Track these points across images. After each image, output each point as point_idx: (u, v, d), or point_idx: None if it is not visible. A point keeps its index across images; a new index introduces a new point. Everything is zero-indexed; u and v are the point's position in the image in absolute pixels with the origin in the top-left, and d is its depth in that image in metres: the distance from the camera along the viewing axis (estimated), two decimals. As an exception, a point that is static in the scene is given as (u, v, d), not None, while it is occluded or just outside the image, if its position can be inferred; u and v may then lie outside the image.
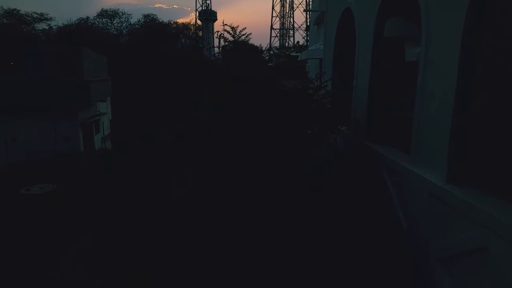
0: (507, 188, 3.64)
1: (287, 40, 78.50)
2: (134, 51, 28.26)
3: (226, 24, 7.58)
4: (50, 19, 33.00)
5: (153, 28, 34.21)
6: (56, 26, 33.33)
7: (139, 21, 36.98)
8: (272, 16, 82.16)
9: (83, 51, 17.70)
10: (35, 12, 32.41)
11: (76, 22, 34.58)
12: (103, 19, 36.85)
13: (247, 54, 7.68)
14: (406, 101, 6.00)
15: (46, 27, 32.92)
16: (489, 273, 3.52)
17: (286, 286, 4.66)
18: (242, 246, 5.22)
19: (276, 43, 77.51)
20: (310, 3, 50.47)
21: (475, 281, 3.74)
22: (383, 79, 6.75)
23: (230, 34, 7.42)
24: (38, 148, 14.79)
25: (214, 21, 75.07)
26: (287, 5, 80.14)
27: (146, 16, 36.96)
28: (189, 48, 37.53)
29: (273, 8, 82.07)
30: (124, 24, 37.35)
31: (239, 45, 7.52)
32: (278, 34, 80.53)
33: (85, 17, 35.94)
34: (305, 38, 63.17)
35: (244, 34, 7.55)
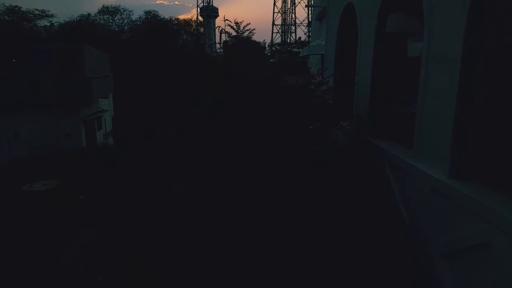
0: (510, 182, 3.64)
1: (289, 36, 78.27)
2: (136, 47, 28.25)
3: (227, 20, 7.55)
4: (52, 16, 33.04)
5: (155, 24, 34.16)
6: (58, 23, 33.38)
7: (140, 17, 36.96)
8: (273, 12, 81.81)
9: (84, 48, 17.72)
10: (36, 9, 32.45)
11: (77, 18, 34.58)
12: (105, 16, 36.85)
13: (249, 49, 7.64)
14: (408, 97, 5.98)
15: (48, 24, 32.97)
16: (491, 268, 3.52)
17: (287, 282, 4.68)
18: (243, 242, 5.23)
19: (278, 39, 77.31)
20: (312, -2, 50.26)
21: (478, 276, 3.74)
22: (385, 75, 6.72)
23: (234, 29, 7.37)
24: (40, 144, 14.86)
25: (216, 17, 74.95)
26: (289, 1, 79.87)
27: (147, 13, 36.95)
28: (191, 44, 37.49)
29: (274, 4, 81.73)
30: (125, 21, 37.36)
31: (242, 41, 7.48)
32: (280, 30, 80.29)
33: (87, 13, 35.94)
34: (307, 34, 63.00)
35: (248, 30, 7.50)
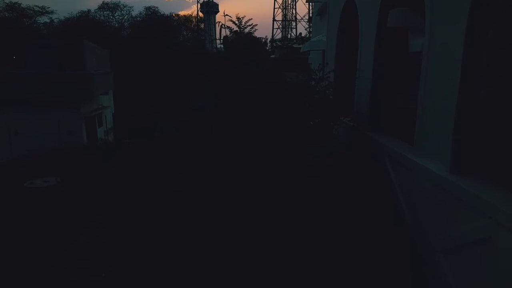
0: (511, 178, 3.63)
1: (290, 32, 77.98)
2: (136, 44, 28.19)
3: (227, 15, 7.52)
4: (52, 12, 32.99)
5: (155, 20, 34.08)
6: (58, 20, 33.33)
7: (140, 13, 36.85)
8: (274, 8, 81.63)
9: (85, 44, 17.68)
10: (36, 6, 32.39)
11: (77, 15, 34.50)
12: (105, 12, 36.79)
13: (249, 45, 7.62)
14: (409, 92, 5.96)
15: (48, 21, 32.94)
16: (493, 264, 3.51)
17: (287, 278, 4.69)
18: (243, 238, 5.24)
19: (278, 35, 77.04)
20: (313, -6, 49.87)
21: (479, 272, 3.74)
22: (386, 70, 6.70)
23: (236, 24, 7.33)
24: (41, 141, 14.86)
25: (216, 13, 74.66)
26: (289, -4, 79.46)
27: (147, 9, 36.83)
28: (191, 40, 37.40)
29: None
30: (125, 17, 37.28)
31: (242, 37, 7.45)
32: (281, 26, 79.98)
33: (87, 10, 35.84)
34: (308, 29, 62.76)
35: (250, 25, 7.46)
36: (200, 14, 69.94)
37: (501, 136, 3.88)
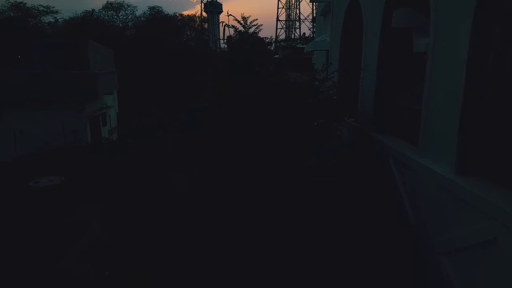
0: (517, 179, 3.60)
1: (293, 32, 77.85)
2: (140, 44, 28.26)
3: (231, 15, 7.52)
4: (56, 12, 33.11)
5: (159, 20, 34.16)
6: (62, 19, 33.45)
7: (144, 13, 36.92)
8: (278, 8, 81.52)
9: (89, 44, 17.74)
10: (41, 5, 32.54)
11: (82, 14, 34.63)
12: (109, 12, 36.88)
13: (254, 45, 7.62)
14: (414, 93, 5.93)
15: (52, 20, 33.07)
16: (497, 266, 3.49)
17: (290, 279, 4.68)
18: (247, 238, 5.24)
19: (282, 35, 76.91)
20: (317, -6, 49.74)
21: (483, 274, 3.72)
22: (390, 70, 6.67)
23: (241, 24, 7.32)
24: (46, 140, 14.93)
25: (220, 13, 74.70)
26: (293, -4, 79.27)
27: (151, 9, 36.90)
28: (195, 40, 37.44)
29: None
30: (129, 17, 37.35)
31: (247, 36, 7.45)
32: (284, 26, 79.87)
33: (91, 9, 35.96)
34: (311, 29, 62.59)
35: (255, 25, 7.46)
36: (204, 14, 70.06)
37: (507, 137, 3.86)
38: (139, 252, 5.61)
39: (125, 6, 37.47)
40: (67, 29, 30.80)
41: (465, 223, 3.98)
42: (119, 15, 37.27)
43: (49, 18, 32.98)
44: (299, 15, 78.66)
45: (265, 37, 8.34)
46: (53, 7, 33.00)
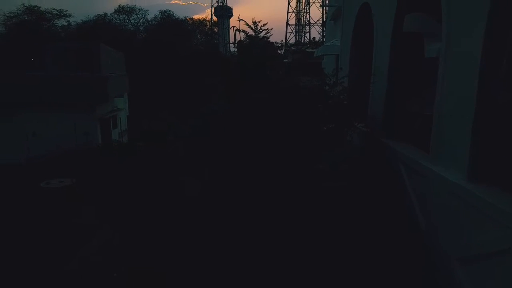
0: (531, 188, 3.54)
1: (303, 36, 77.91)
2: (151, 47, 28.54)
3: (242, 19, 7.56)
4: (69, 15, 33.64)
5: (169, 24, 34.47)
6: (75, 23, 33.93)
7: (155, 17, 37.27)
8: (287, 12, 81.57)
9: (101, 47, 17.98)
10: (54, 9, 33.06)
11: (94, 18, 35.09)
12: (121, 16, 37.30)
13: (263, 49, 7.63)
14: (425, 98, 5.88)
15: (65, 24, 33.56)
16: (511, 276, 3.43)
17: (300, 281, 4.66)
18: (258, 242, 5.23)
19: (291, 39, 77.01)
20: (327, -2, 49.77)
21: (496, 284, 3.65)
22: (401, 75, 6.63)
23: (251, 28, 7.35)
24: (57, 142, 15.12)
25: (230, 17, 75.12)
26: (303, 1, 79.46)
27: (162, 13, 37.24)
28: (205, 44, 37.66)
29: (289, 3, 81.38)
30: (141, 21, 37.73)
31: (257, 41, 7.47)
32: (294, 30, 79.98)
33: (103, 13, 36.42)
34: (321, 34, 62.56)
35: (265, 30, 7.48)
36: (214, 18, 70.54)
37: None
38: (148, 254, 5.63)
39: (137, 10, 37.91)
40: (80, 32, 31.24)
41: (478, 231, 3.91)
42: (131, 19, 37.71)
43: (62, 22, 33.53)
44: (309, 19, 78.76)
45: (275, 42, 8.34)
46: (66, 10, 33.56)
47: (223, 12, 74.07)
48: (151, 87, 24.91)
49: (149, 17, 37.68)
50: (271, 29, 7.68)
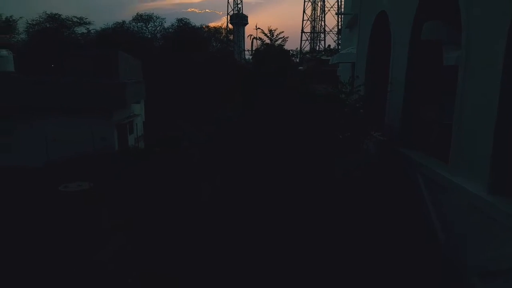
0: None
1: (318, 44, 77.88)
2: (167, 54, 28.94)
3: (259, 28, 7.61)
4: (89, 23, 34.40)
5: (186, 32, 34.92)
6: (94, 30, 34.68)
7: (172, 25, 37.82)
8: (303, 20, 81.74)
9: (119, 54, 18.32)
10: (75, 16, 33.89)
11: (113, 26, 35.82)
12: (138, 23, 37.96)
13: (279, 57, 7.66)
14: (444, 107, 5.80)
15: (85, 31, 34.32)
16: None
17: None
18: (273, 247, 5.20)
19: (306, 46, 77.06)
20: (342, 6, 49.79)
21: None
22: (419, 84, 6.55)
23: (267, 36, 7.41)
24: (75, 146, 15.41)
25: (245, 25, 75.64)
26: (319, 9, 79.55)
27: (179, 20, 37.77)
28: (220, 51, 37.99)
29: (304, 11, 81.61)
30: (158, 28, 38.33)
31: (273, 49, 7.50)
32: (309, 38, 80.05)
33: (121, 21, 37.16)
34: (336, 41, 62.45)
35: (281, 38, 7.52)
36: (230, 25, 71.21)
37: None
38: (162, 259, 5.66)
39: (154, 18, 38.54)
40: (99, 39, 31.92)
41: (499, 245, 3.81)
42: (148, 26, 38.34)
43: (82, 29, 34.31)
44: (324, 27, 78.70)
45: (291, 50, 8.36)
46: (86, 18, 34.35)
47: (239, 19, 74.65)
48: (166, 93, 25.21)
49: (166, 24, 38.30)
50: (287, 37, 7.71)
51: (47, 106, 16.21)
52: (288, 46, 8.21)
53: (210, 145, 7.54)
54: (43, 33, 30.72)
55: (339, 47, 31.81)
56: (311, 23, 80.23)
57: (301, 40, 79.28)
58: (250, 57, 9.68)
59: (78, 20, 33.82)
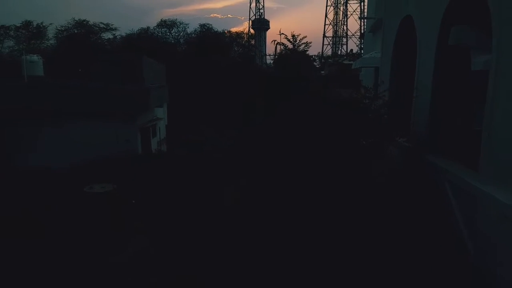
0: None
1: (340, 48, 77.28)
2: (190, 59, 29.35)
3: (283, 33, 7.65)
4: (115, 29, 35.37)
5: (208, 37, 35.36)
6: (120, 36, 35.59)
7: (195, 30, 38.39)
8: (324, 24, 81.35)
9: (144, 60, 18.71)
10: (101, 23, 34.91)
11: (137, 31, 36.68)
12: (162, 29, 38.72)
13: (302, 63, 7.66)
14: (473, 113, 5.64)
15: (111, 37, 35.28)
16: None
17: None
18: (293, 248, 5.18)
19: (328, 51, 76.61)
20: (365, 10, 49.35)
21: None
22: (446, 89, 6.40)
23: (290, 42, 7.45)
24: (100, 149, 15.78)
25: (267, 30, 75.85)
26: (341, 13, 79.00)
27: (202, 26, 38.32)
28: (242, 56, 38.25)
29: (326, 16, 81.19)
30: (181, 34, 38.98)
31: (295, 54, 7.52)
32: (331, 42, 79.55)
33: (146, 27, 37.97)
34: (359, 46, 61.83)
35: (304, 43, 7.55)
36: (252, 30, 71.58)
37: None
38: (184, 262, 5.70)
39: (178, 23, 39.24)
40: (124, 45, 32.72)
41: (533, 256, 3.66)
42: (172, 32, 39.04)
43: (108, 35, 35.29)
44: (346, 31, 78.08)
45: (314, 55, 8.37)
46: (112, 24, 35.35)
47: (260, 24, 74.91)
48: (189, 97, 25.53)
49: (189, 30, 38.91)
50: (310, 43, 7.71)
51: (73, 110, 16.69)
52: (310, 50, 8.22)
53: (234, 149, 7.60)
54: (71, 39, 31.75)
55: (362, 51, 31.44)
56: (333, 27, 79.75)
57: (323, 45, 78.87)
58: (272, 61, 9.73)
59: (105, 26, 34.83)
